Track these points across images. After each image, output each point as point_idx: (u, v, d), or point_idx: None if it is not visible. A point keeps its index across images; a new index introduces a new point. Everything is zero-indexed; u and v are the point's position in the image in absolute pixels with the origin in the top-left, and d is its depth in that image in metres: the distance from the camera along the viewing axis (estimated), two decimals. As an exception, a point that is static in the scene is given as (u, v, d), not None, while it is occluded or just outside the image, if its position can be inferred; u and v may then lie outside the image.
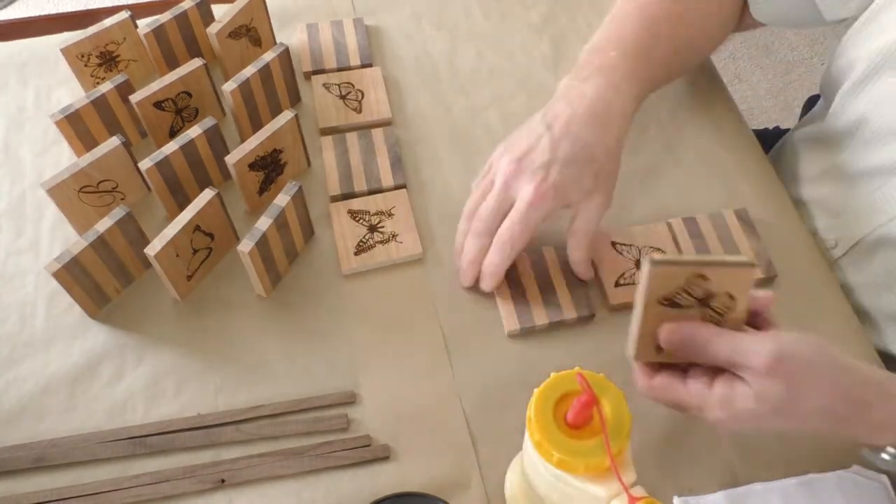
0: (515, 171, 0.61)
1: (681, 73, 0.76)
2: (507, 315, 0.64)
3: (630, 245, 0.67)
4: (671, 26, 0.68)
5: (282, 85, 0.74)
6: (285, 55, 0.72)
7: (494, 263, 0.62)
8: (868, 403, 0.49)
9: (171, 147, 0.65)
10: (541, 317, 0.63)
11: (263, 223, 0.61)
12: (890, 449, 0.50)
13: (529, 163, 0.60)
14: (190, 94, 0.71)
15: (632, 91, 0.65)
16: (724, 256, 0.48)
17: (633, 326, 0.50)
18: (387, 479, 0.57)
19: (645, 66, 0.66)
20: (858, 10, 0.67)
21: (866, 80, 0.66)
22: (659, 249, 0.67)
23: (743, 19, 0.77)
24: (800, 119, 0.92)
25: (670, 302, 0.49)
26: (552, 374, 0.46)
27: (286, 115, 0.67)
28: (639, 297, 0.49)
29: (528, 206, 0.60)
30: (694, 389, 0.48)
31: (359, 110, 0.76)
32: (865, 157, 0.67)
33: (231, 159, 0.64)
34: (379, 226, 0.68)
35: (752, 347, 0.46)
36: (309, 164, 0.74)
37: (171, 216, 0.63)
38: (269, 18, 0.78)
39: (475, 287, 0.66)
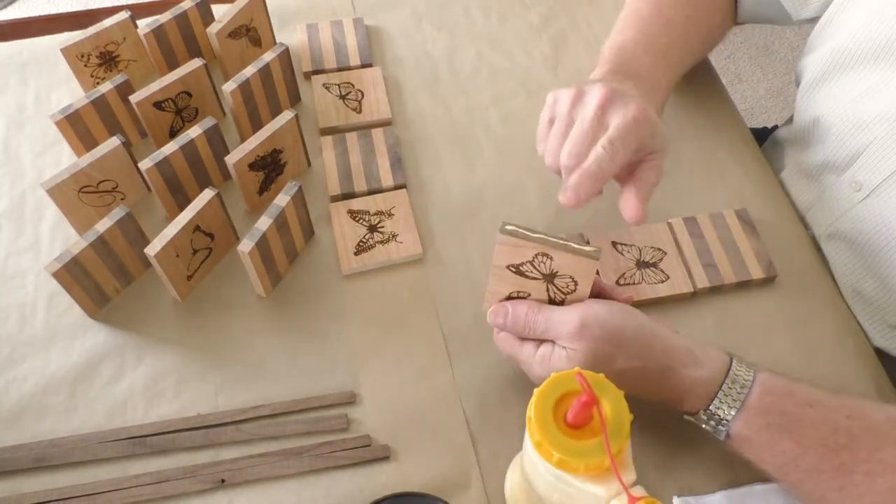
0: (578, 94, 0.58)
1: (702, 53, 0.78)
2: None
3: (630, 245, 0.67)
4: (683, 30, 0.72)
5: (282, 85, 0.74)
6: (285, 55, 0.72)
7: (601, 167, 0.56)
8: (672, 368, 0.53)
9: (171, 147, 0.65)
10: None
11: (263, 223, 0.61)
12: (702, 415, 0.53)
13: (624, 94, 0.58)
14: (190, 94, 0.71)
15: (658, 98, 0.67)
16: (572, 243, 0.52)
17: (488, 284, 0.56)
18: (387, 479, 0.57)
19: (668, 73, 0.69)
20: (820, 11, 0.70)
21: (820, 82, 0.69)
22: (659, 249, 0.67)
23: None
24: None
25: (518, 270, 0.54)
26: (552, 374, 0.46)
27: (286, 115, 0.67)
28: (493, 259, 0.54)
29: (633, 118, 0.57)
30: (526, 349, 0.56)
31: (359, 110, 0.76)
32: (820, 156, 0.70)
33: (231, 159, 0.64)
34: (379, 226, 0.68)
35: (561, 318, 0.53)
36: (309, 164, 0.74)
37: (171, 216, 0.63)
38: (269, 18, 0.78)
39: (475, 286, 0.66)
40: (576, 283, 0.54)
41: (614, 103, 0.57)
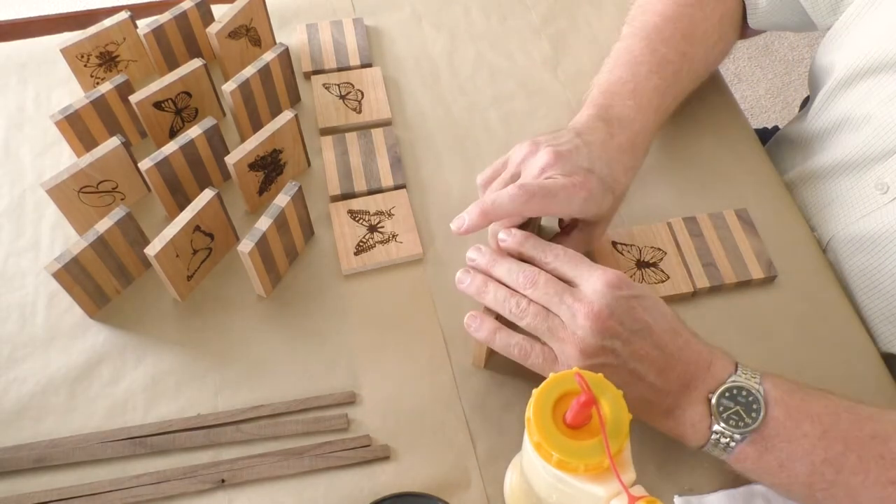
0: (532, 150, 0.59)
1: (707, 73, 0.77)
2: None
3: (630, 245, 0.68)
4: (676, 68, 0.68)
5: (282, 85, 0.74)
6: (285, 55, 0.72)
7: (495, 203, 0.56)
8: (692, 338, 0.53)
9: (171, 147, 0.65)
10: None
11: (263, 223, 0.61)
12: (733, 380, 0.51)
13: (569, 161, 0.58)
14: (190, 95, 0.71)
15: (643, 144, 0.65)
16: None
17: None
18: (387, 479, 0.57)
19: (656, 116, 0.66)
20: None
21: (851, 81, 0.68)
22: (659, 249, 0.67)
23: (744, 30, 0.78)
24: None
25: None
26: (551, 374, 0.46)
27: (286, 115, 0.67)
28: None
29: (544, 164, 0.57)
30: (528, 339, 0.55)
31: (359, 110, 0.76)
32: (840, 156, 0.70)
33: (231, 159, 0.64)
34: (379, 226, 0.68)
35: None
36: (309, 164, 0.74)
37: (171, 216, 0.63)
38: (268, 18, 0.78)
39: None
40: None
41: (555, 167, 0.57)
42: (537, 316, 0.53)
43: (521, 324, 0.54)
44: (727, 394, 0.51)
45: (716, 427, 0.51)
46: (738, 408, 0.50)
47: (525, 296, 0.54)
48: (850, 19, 0.68)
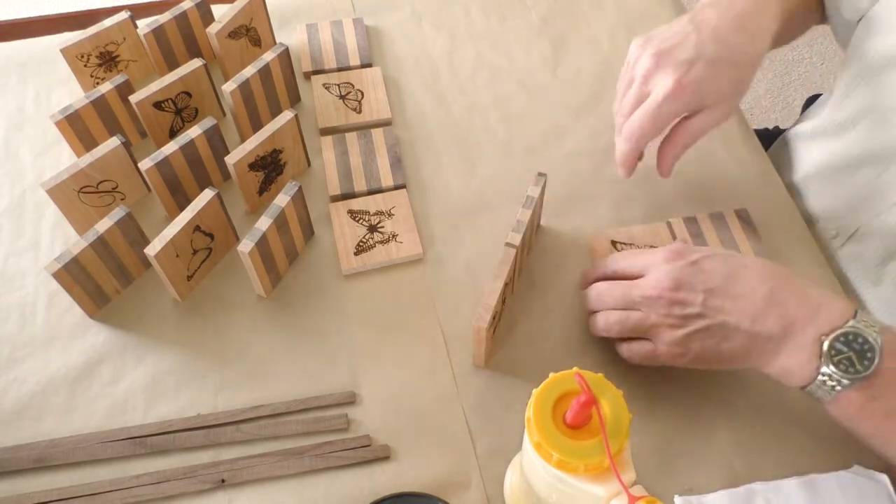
0: (655, 65, 0.61)
1: (791, 37, 0.76)
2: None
3: (630, 245, 0.68)
4: None
5: (282, 85, 0.74)
6: (285, 55, 0.72)
7: (622, 152, 0.63)
8: (797, 280, 0.53)
9: (171, 147, 0.65)
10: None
11: (263, 223, 0.61)
12: (852, 324, 0.50)
13: (672, 58, 0.60)
14: (190, 95, 0.71)
15: (776, 11, 0.64)
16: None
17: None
18: (387, 479, 0.57)
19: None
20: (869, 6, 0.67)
21: (883, 70, 0.66)
22: (659, 249, 0.67)
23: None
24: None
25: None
26: (551, 375, 0.46)
27: (286, 115, 0.67)
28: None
29: (664, 97, 0.60)
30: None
31: (359, 110, 0.76)
32: (868, 145, 0.68)
33: (231, 159, 0.64)
34: (379, 226, 0.68)
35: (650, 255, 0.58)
36: (309, 164, 0.74)
37: (171, 216, 0.63)
38: (268, 18, 0.78)
39: (475, 286, 0.66)
40: None
41: (656, 72, 0.61)
42: (623, 322, 0.57)
43: (619, 334, 0.59)
44: (842, 338, 0.50)
45: (824, 369, 0.50)
46: (850, 353, 0.50)
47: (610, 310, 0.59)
48: (882, 10, 0.66)
